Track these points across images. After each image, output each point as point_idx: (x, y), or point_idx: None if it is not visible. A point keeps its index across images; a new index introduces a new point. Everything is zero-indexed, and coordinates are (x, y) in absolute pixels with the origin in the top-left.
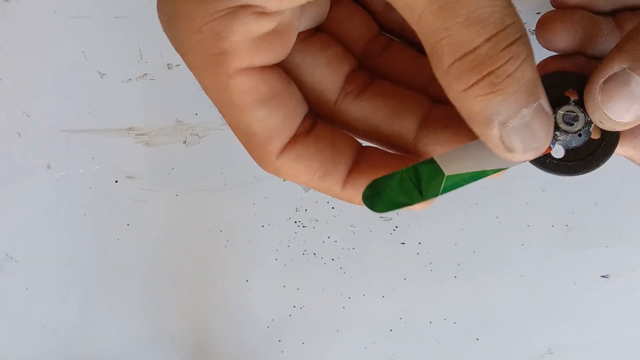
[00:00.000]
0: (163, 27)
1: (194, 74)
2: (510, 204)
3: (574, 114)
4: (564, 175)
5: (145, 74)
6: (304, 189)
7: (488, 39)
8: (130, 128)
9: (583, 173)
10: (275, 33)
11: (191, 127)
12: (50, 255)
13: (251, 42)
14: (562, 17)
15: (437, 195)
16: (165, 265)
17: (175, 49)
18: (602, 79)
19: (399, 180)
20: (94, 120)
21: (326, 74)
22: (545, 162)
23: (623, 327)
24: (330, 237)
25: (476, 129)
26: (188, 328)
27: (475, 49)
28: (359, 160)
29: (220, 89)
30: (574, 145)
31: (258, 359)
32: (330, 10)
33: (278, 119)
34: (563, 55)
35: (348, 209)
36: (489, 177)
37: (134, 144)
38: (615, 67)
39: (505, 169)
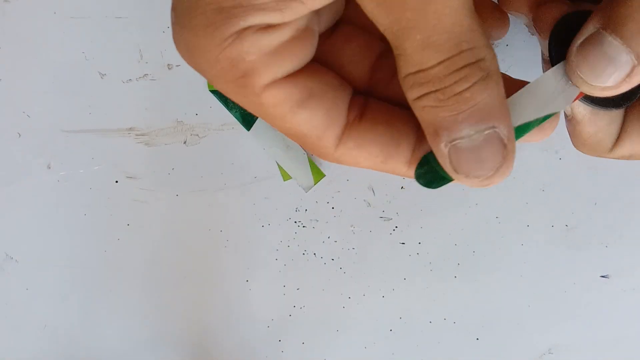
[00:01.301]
0: (187, 62)
1: (233, 100)
2: (510, 204)
3: None
4: (610, 109)
5: (145, 74)
6: (304, 189)
7: (439, 62)
8: (130, 128)
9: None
10: (293, 41)
11: (191, 127)
12: (50, 255)
13: (268, 57)
14: None
15: None
16: (165, 265)
17: (207, 80)
18: (580, 40)
19: None
20: (94, 120)
21: (354, 58)
22: (590, 99)
23: (623, 327)
24: (330, 237)
25: (428, 139)
26: (188, 328)
27: (426, 69)
28: (422, 135)
29: (256, 107)
30: None
31: (258, 359)
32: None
33: (322, 115)
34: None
35: (348, 209)
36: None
37: (134, 144)
38: (591, 28)
39: (557, 112)
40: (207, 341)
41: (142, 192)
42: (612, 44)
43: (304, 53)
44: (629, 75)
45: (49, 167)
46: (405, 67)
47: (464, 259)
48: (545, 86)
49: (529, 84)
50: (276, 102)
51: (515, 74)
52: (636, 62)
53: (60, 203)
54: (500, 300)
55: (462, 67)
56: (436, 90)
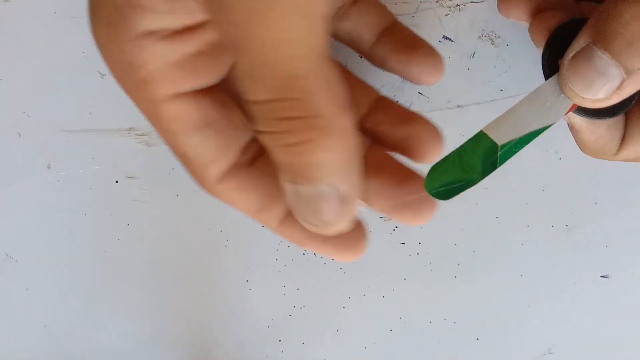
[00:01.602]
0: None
1: (134, 103)
2: (510, 204)
3: None
4: (602, 118)
5: None
6: None
7: (266, 101)
8: (130, 128)
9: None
10: (200, 55)
11: None
12: (50, 255)
13: (171, 69)
14: None
15: (496, 167)
16: (165, 265)
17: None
18: (571, 54)
19: (456, 162)
20: (94, 120)
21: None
22: (584, 110)
23: (623, 327)
24: None
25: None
26: (188, 328)
27: (257, 102)
28: None
29: (150, 114)
30: None
31: (258, 359)
32: None
33: (213, 148)
34: (555, 12)
35: None
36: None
37: (134, 144)
38: (581, 42)
39: (553, 123)
40: (207, 341)
41: (142, 192)
42: (602, 58)
43: (213, 71)
44: (619, 88)
45: (49, 167)
46: (242, 87)
47: (464, 259)
48: (541, 98)
49: (526, 96)
50: (173, 116)
51: (515, 74)
52: (625, 75)
53: (60, 203)
54: (500, 300)
55: (290, 118)
56: (269, 132)
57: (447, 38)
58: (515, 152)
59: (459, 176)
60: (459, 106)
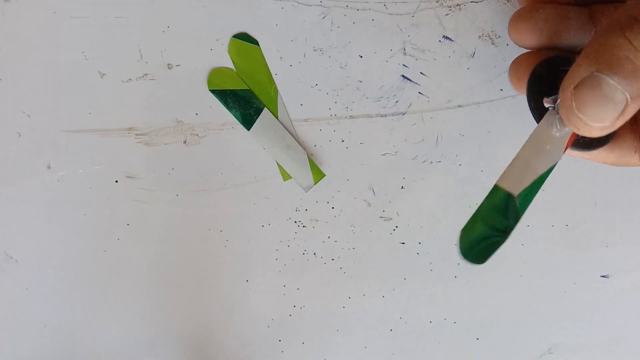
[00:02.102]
0: None
1: None
2: None
3: None
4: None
5: (145, 74)
6: (304, 189)
7: None
8: (130, 128)
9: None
10: None
11: (191, 127)
12: (50, 255)
13: None
14: (528, 17)
15: (519, 217)
16: (165, 265)
17: None
18: (573, 85)
19: (480, 220)
20: (94, 120)
21: None
22: (579, 142)
23: (623, 327)
24: (330, 237)
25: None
26: (188, 328)
27: None
28: None
29: None
30: None
31: (258, 359)
32: None
33: None
34: (532, 52)
35: (348, 209)
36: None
37: (134, 144)
38: (583, 72)
39: (557, 162)
40: (207, 341)
41: (142, 192)
42: (609, 84)
43: None
44: (622, 112)
45: (49, 167)
46: None
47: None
48: (539, 142)
49: (525, 142)
50: None
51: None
52: (629, 99)
53: (60, 203)
54: (500, 300)
55: None
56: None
57: (447, 38)
58: (533, 197)
59: (487, 234)
60: (459, 106)
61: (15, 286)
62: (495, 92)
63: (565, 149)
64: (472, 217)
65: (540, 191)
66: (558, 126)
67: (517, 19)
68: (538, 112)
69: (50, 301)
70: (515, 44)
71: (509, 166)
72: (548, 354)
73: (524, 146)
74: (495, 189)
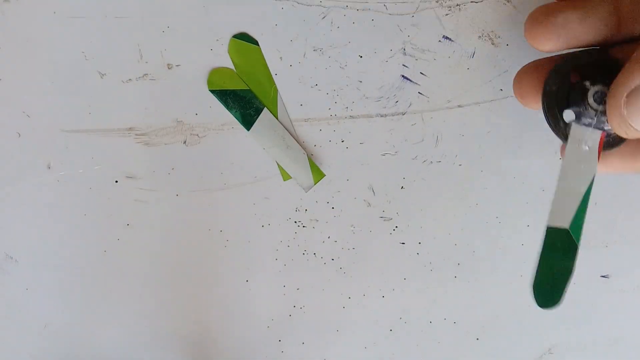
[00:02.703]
0: None
1: None
2: (510, 204)
3: (605, 94)
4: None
5: (145, 74)
6: (304, 189)
7: None
8: (130, 128)
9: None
10: None
11: (191, 127)
12: (50, 255)
13: None
14: (544, 22)
15: (577, 246)
16: (165, 265)
17: None
18: (625, 93)
19: (545, 265)
20: (94, 120)
21: None
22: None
23: (623, 327)
24: (330, 237)
25: None
26: (188, 328)
27: None
28: None
29: None
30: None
31: (258, 359)
32: None
33: None
34: (532, 66)
35: (348, 209)
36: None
37: (134, 144)
38: (637, 81)
39: (594, 175)
40: (207, 341)
41: (142, 192)
42: None
43: None
44: None
45: (49, 167)
46: None
47: (464, 259)
48: (572, 162)
49: (559, 174)
50: None
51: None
52: None
53: (60, 203)
54: (500, 300)
55: None
56: None
57: (447, 38)
58: (583, 219)
59: (554, 277)
60: (459, 106)
61: (15, 286)
62: (495, 92)
63: (599, 157)
64: (536, 270)
65: (540, 191)
66: (586, 139)
67: (533, 22)
68: (560, 129)
69: (50, 301)
70: (534, 47)
71: (552, 204)
72: (548, 354)
73: (559, 178)
74: (549, 231)
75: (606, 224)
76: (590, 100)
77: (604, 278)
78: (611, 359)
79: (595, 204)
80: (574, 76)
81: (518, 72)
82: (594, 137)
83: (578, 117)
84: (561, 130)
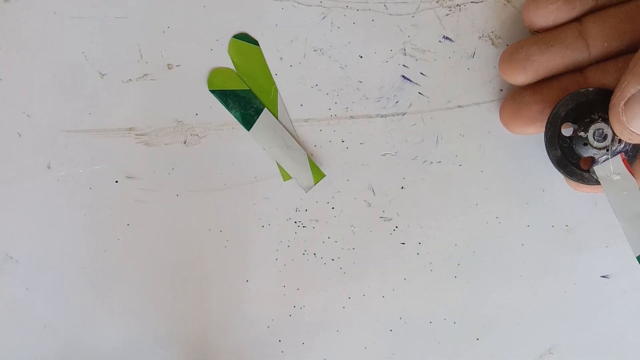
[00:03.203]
0: None
1: None
2: (510, 204)
3: (603, 130)
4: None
5: (145, 74)
6: (304, 189)
7: None
8: (130, 128)
9: None
10: None
11: (191, 127)
12: (50, 255)
13: None
14: (509, 59)
15: None
16: (165, 265)
17: None
18: (623, 102)
19: None
20: (94, 120)
21: None
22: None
23: (623, 327)
24: (330, 237)
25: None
26: (188, 328)
27: None
28: None
29: None
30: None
31: (258, 359)
32: None
33: None
34: (510, 99)
35: (348, 209)
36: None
37: (134, 144)
38: (632, 90)
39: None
40: (207, 341)
41: (142, 192)
42: None
43: None
44: None
45: (49, 167)
46: None
47: (464, 259)
48: (617, 196)
49: (616, 214)
50: None
51: None
52: None
53: (60, 203)
54: (500, 300)
55: None
56: None
57: (447, 38)
58: None
59: None
60: (459, 106)
61: (15, 286)
62: (495, 92)
63: (633, 175)
64: None
65: (540, 191)
66: (612, 170)
67: (502, 61)
68: (586, 179)
69: (50, 301)
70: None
71: (627, 237)
72: (548, 354)
73: (617, 217)
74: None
75: (606, 224)
76: (595, 143)
77: (604, 278)
78: (611, 359)
79: (595, 204)
80: (566, 129)
81: (501, 103)
82: (616, 164)
83: (594, 161)
84: (586, 178)
